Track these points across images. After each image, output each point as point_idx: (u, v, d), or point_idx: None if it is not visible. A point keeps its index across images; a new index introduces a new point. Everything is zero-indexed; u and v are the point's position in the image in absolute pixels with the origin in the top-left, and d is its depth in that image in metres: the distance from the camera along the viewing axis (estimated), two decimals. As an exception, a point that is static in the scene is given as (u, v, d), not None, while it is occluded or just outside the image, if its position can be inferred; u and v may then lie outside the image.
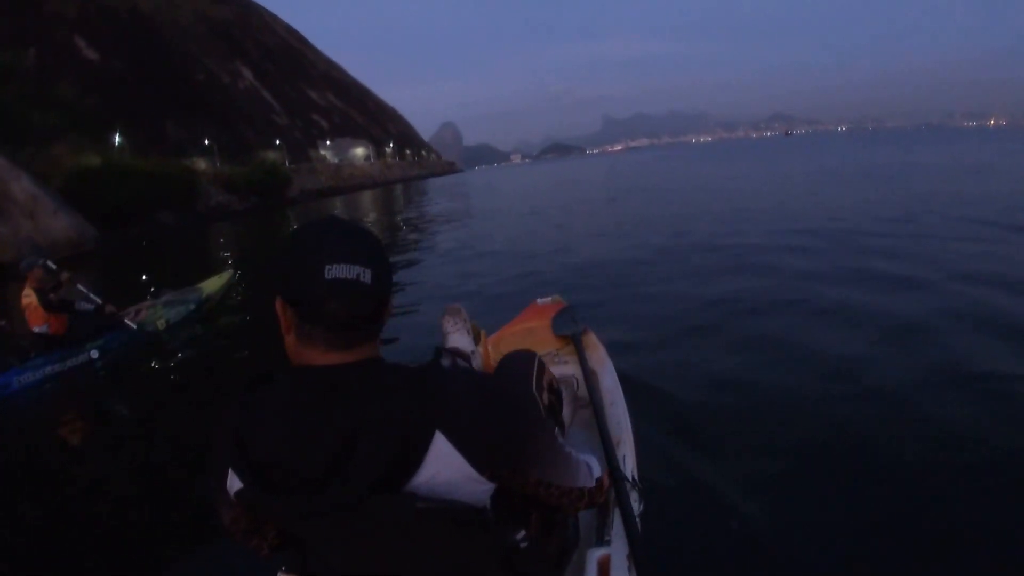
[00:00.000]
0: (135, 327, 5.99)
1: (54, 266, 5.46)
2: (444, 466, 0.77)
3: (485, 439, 0.80)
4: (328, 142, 73.76)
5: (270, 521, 0.87)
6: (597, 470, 1.03)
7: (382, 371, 0.80)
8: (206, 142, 44.22)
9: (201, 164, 40.49)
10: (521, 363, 1.51)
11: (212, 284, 7.20)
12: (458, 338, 2.04)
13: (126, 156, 32.21)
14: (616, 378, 2.15)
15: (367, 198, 38.43)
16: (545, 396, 1.48)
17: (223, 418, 0.82)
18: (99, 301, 5.77)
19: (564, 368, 2.20)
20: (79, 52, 46.00)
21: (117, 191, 25.21)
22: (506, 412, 0.84)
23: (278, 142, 57.35)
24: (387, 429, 0.75)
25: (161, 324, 6.24)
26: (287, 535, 0.90)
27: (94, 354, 5.52)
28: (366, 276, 0.76)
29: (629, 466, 1.61)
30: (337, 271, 0.75)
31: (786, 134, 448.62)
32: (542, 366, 1.55)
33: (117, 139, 33.84)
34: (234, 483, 0.79)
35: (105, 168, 27.38)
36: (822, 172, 19.81)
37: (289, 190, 45.96)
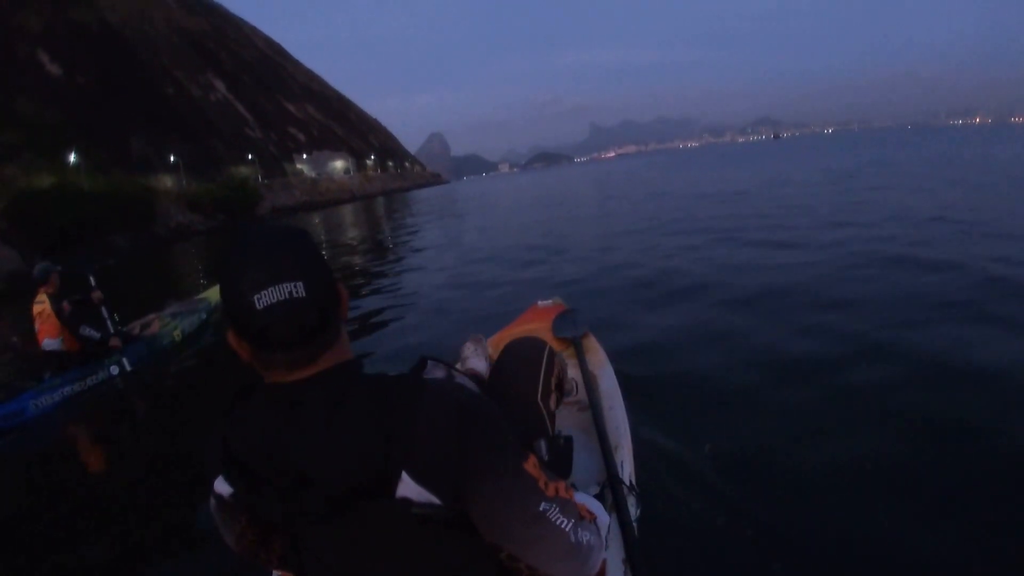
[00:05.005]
0: (151, 339, 5.75)
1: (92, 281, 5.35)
2: (415, 498, 0.74)
3: (454, 481, 0.75)
4: (305, 156, 71.84)
5: (276, 531, 0.83)
6: (598, 554, 0.89)
7: (350, 385, 0.77)
8: (171, 158, 42.27)
9: (167, 182, 38.62)
10: (530, 356, 1.42)
11: (216, 293, 6.55)
12: (475, 362, 1.95)
13: (83, 175, 30.34)
14: (616, 382, 2.19)
15: (347, 212, 36.98)
16: (552, 400, 1.42)
17: (214, 432, 0.81)
18: (111, 331, 5.29)
19: None
20: (42, 67, 44.12)
21: (65, 213, 23.29)
22: (483, 454, 0.77)
23: (250, 157, 55.19)
24: (349, 464, 0.72)
25: (177, 335, 6.05)
26: (293, 545, 0.86)
27: (114, 370, 5.19)
28: (298, 289, 0.72)
29: (627, 470, 1.63)
30: (267, 297, 0.70)
31: (775, 137, 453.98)
32: (551, 359, 1.46)
33: (72, 157, 31.85)
34: (224, 488, 0.79)
35: (53, 189, 25.45)
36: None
37: (260, 207, 43.87)
